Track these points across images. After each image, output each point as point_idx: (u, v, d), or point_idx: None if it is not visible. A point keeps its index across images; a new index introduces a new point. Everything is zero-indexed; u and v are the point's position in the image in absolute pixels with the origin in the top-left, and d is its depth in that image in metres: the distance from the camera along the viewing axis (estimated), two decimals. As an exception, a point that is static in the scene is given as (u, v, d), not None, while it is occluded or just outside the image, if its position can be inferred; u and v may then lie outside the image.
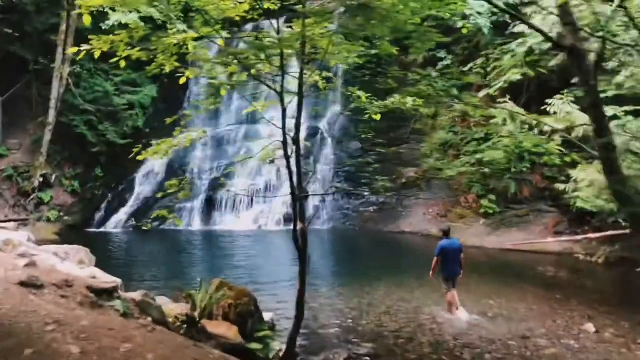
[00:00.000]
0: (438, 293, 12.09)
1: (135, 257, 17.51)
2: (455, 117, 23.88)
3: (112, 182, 23.61)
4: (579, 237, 16.83)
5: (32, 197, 21.13)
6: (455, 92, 16.92)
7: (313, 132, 25.41)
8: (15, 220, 19.50)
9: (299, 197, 7.55)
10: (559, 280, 14.24)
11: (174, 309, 6.85)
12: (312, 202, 23.41)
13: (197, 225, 22.42)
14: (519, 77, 15.37)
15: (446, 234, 11.71)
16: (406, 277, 14.00)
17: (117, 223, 21.89)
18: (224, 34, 7.27)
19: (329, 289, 13.00)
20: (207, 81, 8.70)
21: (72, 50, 6.82)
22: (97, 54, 6.77)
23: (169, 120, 8.40)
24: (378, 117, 9.51)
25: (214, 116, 26.63)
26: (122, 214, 22.27)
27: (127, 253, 18.10)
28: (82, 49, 6.67)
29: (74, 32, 21.31)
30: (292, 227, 21.95)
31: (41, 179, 21.48)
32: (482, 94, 15.88)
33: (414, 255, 17.57)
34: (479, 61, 17.69)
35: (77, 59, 22.02)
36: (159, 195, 9.21)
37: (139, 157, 7.67)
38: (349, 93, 9.03)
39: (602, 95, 9.23)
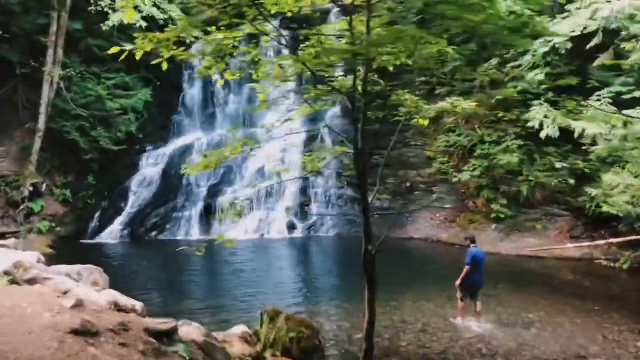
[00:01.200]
0: (471, 306, 11.46)
1: (137, 272, 16.51)
2: (459, 119, 23.32)
3: (105, 191, 22.56)
4: (601, 242, 16.32)
5: (21, 207, 20.00)
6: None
7: (312, 136, 24.65)
8: (5, 234, 18.44)
9: (368, 214, 6.76)
10: (589, 289, 13.67)
11: (234, 348, 6.05)
12: (314, 209, 22.65)
13: (196, 234, 21.47)
14: (542, 77, 14.95)
15: (474, 241, 11.30)
16: (431, 289, 13.33)
17: (112, 233, 20.85)
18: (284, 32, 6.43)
19: (352, 304, 12.24)
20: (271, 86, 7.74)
21: (113, 50, 5.97)
22: (138, 55, 5.95)
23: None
24: (426, 122, 8.79)
25: (210, 120, 25.75)
26: (118, 224, 21.23)
27: (128, 267, 17.08)
28: (125, 48, 5.85)
29: (65, 33, 20.28)
30: (295, 235, 21.13)
31: (31, 189, 20.37)
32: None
33: (431, 264, 16.95)
34: (494, 61, 17.14)
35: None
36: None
37: (185, 172, 6.78)
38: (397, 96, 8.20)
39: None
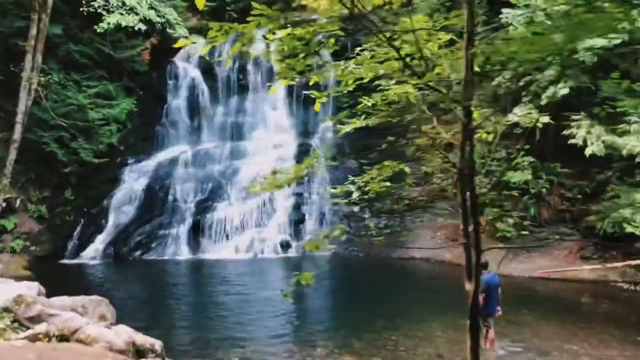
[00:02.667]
0: (508, 337, 10.63)
1: (127, 298, 14.94)
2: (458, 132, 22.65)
3: (84, 206, 21.02)
4: (619, 264, 15.72)
5: (-8, 225, 18.38)
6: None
7: (304, 150, 23.61)
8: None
9: (479, 248, 5.71)
10: (621, 316, 12.93)
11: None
12: (308, 227, 21.57)
13: (184, 254, 20.09)
14: (566, 91, 14.26)
15: (486, 267, 10.59)
16: (453, 316, 12.37)
17: (93, 253, 19.33)
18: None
19: (374, 335, 11.21)
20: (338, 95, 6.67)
21: (180, 43, 4.88)
22: (205, 50, 4.88)
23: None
24: (491, 136, 7.84)
25: (195, 132, 24.48)
26: (99, 243, 19.74)
27: (115, 293, 15.45)
28: (197, 42, 4.72)
29: (45, 37, 18.82)
30: (290, 254, 19.93)
31: (4, 204, 18.72)
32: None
33: (442, 287, 15.98)
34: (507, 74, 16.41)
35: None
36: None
37: (262, 190, 5.56)
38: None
39: None
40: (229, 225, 20.67)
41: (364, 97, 7.85)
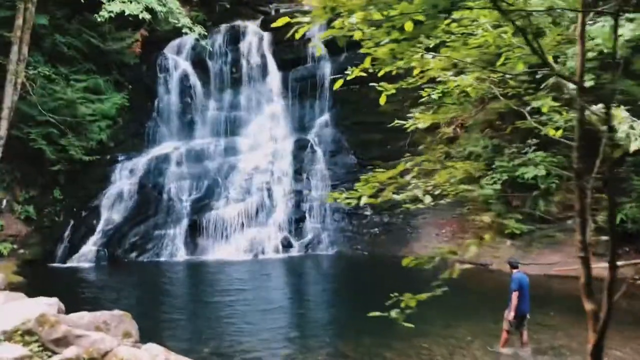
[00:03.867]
0: (546, 343, 10.12)
1: (126, 305, 13.87)
2: (457, 129, 22.22)
3: (74, 206, 20.00)
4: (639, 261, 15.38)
5: (-22, 227, 17.30)
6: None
7: (301, 145, 22.92)
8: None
9: (588, 259, 5.10)
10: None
11: None
12: (309, 225, 20.86)
13: (181, 255, 19.24)
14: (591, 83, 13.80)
15: (516, 266, 10.30)
16: (478, 320, 11.90)
17: (86, 256, 18.33)
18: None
19: (403, 343, 10.56)
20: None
21: (279, 22, 4.16)
22: (300, 33, 4.16)
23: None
24: (559, 133, 7.24)
25: (187, 128, 23.55)
26: (91, 245, 18.74)
27: (112, 298, 14.54)
28: (302, 21, 4.05)
29: (31, 28, 17.72)
30: (292, 253, 19.19)
31: (-11, 205, 17.69)
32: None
33: (456, 288, 15.35)
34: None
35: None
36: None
37: (358, 200, 4.82)
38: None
39: None
40: (228, 224, 19.86)
41: (427, 88, 7.19)
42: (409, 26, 3.83)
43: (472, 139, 19.31)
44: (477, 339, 10.74)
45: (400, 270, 15.61)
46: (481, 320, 11.95)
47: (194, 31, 14.12)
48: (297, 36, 4.08)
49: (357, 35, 4.14)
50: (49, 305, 6.77)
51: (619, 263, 12.26)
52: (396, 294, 4.06)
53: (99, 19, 13.65)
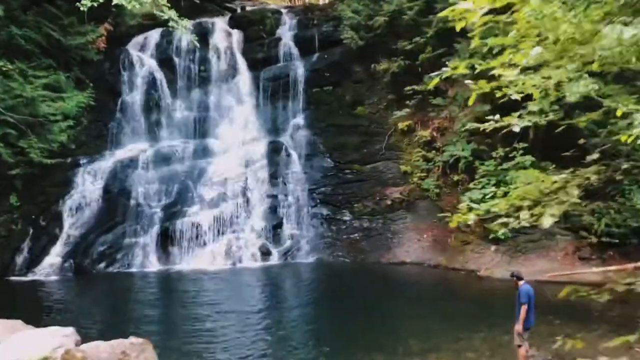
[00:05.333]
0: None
1: (97, 321, 12.61)
2: (434, 133, 21.92)
3: (33, 214, 18.41)
4: (630, 266, 15.36)
5: None
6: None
7: (275, 148, 22.05)
8: None
9: None
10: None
11: None
12: (287, 231, 20.01)
13: (154, 265, 18.01)
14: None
15: (521, 278, 9.89)
16: (487, 331, 11.42)
17: (49, 268, 16.87)
18: None
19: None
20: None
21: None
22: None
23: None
24: (630, 138, 6.77)
25: (153, 129, 22.24)
26: (55, 256, 17.28)
27: (81, 313, 13.20)
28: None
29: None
30: (271, 262, 18.27)
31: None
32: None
33: (451, 296, 14.99)
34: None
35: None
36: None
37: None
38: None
39: None
40: (202, 231, 18.78)
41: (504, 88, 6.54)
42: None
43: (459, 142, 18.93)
44: (496, 353, 10.22)
45: (385, 278, 14.92)
46: (490, 332, 11.47)
47: (180, 25, 13.06)
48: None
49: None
50: (65, 336, 5.75)
51: (610, 268, 11.98)
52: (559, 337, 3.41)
53: (81, 8, 12.36)
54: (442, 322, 12.46)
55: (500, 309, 13.37)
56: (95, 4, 13.05)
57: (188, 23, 13.77)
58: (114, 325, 12.01)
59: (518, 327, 9.41)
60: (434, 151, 21.38)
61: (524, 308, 9.44)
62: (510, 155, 17.18)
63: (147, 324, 12.56)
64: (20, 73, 18.01)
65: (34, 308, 13.15)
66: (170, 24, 12.91)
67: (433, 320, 12.61)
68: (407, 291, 15.90)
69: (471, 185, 17.61)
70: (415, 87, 20.09)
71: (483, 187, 17.12)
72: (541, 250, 17.75)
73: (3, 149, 17.08)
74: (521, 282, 9.90)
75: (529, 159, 16.63)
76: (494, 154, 17.65)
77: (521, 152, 17.00)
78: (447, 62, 18.03)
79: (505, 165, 17.04)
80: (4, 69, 16.61)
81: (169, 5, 13.07)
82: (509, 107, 18.73)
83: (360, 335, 11.55)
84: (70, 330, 5.99)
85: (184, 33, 14.61)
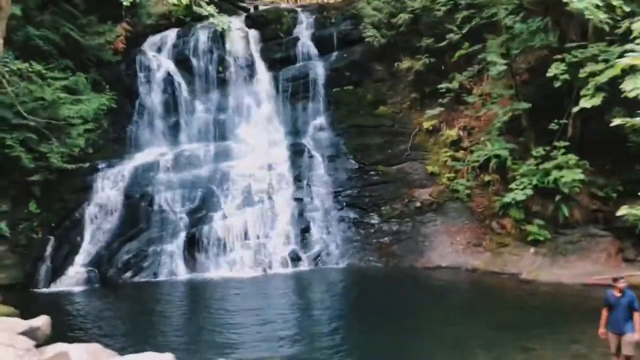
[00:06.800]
0: None
1: (142, 337, 11.86)
2: (460, 132, 21.39)
3: (52, 221, 17.66)
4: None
5: (-54, 249, 14.81)
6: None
7: (297, 150, 21.40)
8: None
9: None
10: None
11: None
12: (315, 235, 19.34)
13: (182, 273, 17.29)
14: None
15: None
16: (554, 342, 10.78)
17: (74, 278, 16.14)
18: None
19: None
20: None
21: None
22: None
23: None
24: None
25: (173, 131, 21.56)
26: (79, 266, 16.54)
27: (118, 330, 12.48)
28: None
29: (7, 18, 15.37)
30: (301, 267, 17.51)
31: (-43, 223, 15.23)
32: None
33: (499, 302, 14.28)
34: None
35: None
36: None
37: None
38: None
39: None
40: (229, 237, 18.08)
41: None
42: None
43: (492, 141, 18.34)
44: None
45: (423, 284, 13.93)
46: (560, 342, 10.74)
47: (219, 21, 12.44)
48: None
49: None
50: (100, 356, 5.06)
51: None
52: None
53: (125, 3, 11.64)
54: (500, 331, 11.78)
55: (560, 315, 12.80)
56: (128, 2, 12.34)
57: (226, 19, 13.13)
58: (147, 338, 11.33)
59: (632, 335, 8.59)
60: (462, 151, 20.84)
61: (638, 315, 8.63)
62: (552, 155, 16.58)
63: (183, 333, 11.93)
64: (38, 75, 17.29)
65: (64, 322, 12.38)
66: (210, 20, 12.30)
67: (490, 329, 11.96)
68: (451, 297, 15.28)
69: (513, 185, 16.98)
70: (449, 85, 19.52)
71: (525, 188, 16.54)
72: (582, 251, 17.17)
73: (24, 153, 16.34)
74: (624, 286, 8.98)
75: (572, 158, 16.03)
76: (534, 153, 17.05)
77: (563, 150, 16.42)
78: (482, 58, 17.11)
79: (547, 165, 16.42)
80: (23, 71, 15.83)
81: (207, 0, 12.42)
82: (548, 106, 17.89)
83: (412, 345, 10.92)
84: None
85: (225, 30, 14.01)
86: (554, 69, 14.90)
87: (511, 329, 11.75)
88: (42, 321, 8.24)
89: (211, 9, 12.08)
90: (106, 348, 6.86)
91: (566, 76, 14.87)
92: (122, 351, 9.12)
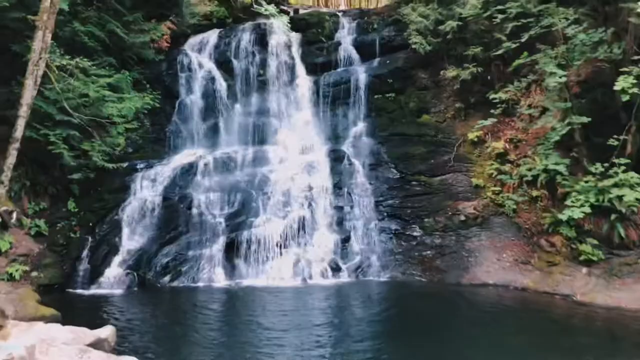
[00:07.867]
0: None
1: (188, 349, 11.42)
2: (506, 145, 20.71)
3: (91, 221, 17.30)
4: None
5: (-16, 245, 14.50)
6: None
7: (337, 157, 20.89)
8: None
9: None
10: None
11: None
12: (355, 246, 18.78)
13: (220, 279, 16.80)
14: None
15: None
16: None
17: (113, 280, 15.73)
18: None
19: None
20: None
21: None
22: None
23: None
24: None
25: (211, 133, 21.17)
26: (117, 267, 16.14)
27: (168, 336, 12.08)
28: None
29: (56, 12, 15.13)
30: (341, 279, 16.86)
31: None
32: None
33: (561, 325, 13.56)
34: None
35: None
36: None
37: None
38: None
39: None
40: (269, 244, 17.58)
41: None
42: None
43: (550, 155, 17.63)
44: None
45: (470, 301, 13.15)
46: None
47: (280, 20, 12.05)
48: None
49: None
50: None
51: None
52: None
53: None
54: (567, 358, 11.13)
55: (619, 342, 12.12)
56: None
57: (285, 18, 12.72)
58: (193, 351, 10.83)
59: None
60: (508, 164, 20.16)
61: None
62: (610, 172, 15.85)
63: (237, 348, 11.38)
64: (83, 71, 16.99)
65: (120, 329, 11.86)
66: (271, 19, 11.89)
67: (554, 357, 11.27)
68: (500, 318, 14.52)
69: (568, 202, 16.26)
70: (501, 95, 18.89)
71: (582, 205, 15.81)
72: (638, 274, 16.42)
73: (66, 150, 16.01)
74: None
75: (634, 176, 15.30)
76: (592, 169, 16.34)
77: (623, 168, 15.69)
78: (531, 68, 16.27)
79: (606, 182, 15.70)
80: (73, 66, 15.51)
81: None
82: (600, 121, 17.06)
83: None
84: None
85: (283, 28, 13.62)
86: (622, 82, 14.21)
87: (579, 357, 11.08)
88: (108, 332, 7.76)
89: (271, 8, 11.66)
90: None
91: (635, 90, 14.18)
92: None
